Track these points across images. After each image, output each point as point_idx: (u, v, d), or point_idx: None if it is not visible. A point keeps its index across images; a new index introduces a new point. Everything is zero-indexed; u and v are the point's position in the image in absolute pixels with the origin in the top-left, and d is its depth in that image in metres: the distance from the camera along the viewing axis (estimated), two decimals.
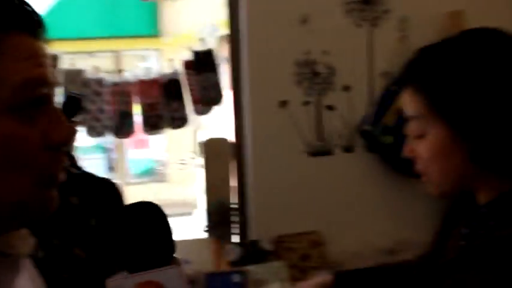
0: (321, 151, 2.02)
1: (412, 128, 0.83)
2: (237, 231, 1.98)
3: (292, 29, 1.94)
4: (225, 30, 2.02)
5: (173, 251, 0.85)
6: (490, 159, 0.76)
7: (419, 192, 2.10)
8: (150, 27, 7.49)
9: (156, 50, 7.47)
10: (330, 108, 2.01)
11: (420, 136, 0.82)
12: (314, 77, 1.97)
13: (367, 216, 2.04)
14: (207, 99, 1.88)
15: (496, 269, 0.70)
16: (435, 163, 0.81)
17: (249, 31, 1.92)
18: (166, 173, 7.47)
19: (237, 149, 2.00)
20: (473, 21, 2.00)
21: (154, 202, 0.92)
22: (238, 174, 2.00)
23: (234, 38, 1.95)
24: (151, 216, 0.88)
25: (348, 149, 2.04)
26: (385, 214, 2.08)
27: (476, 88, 0.75)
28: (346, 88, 2.01)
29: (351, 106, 2.02)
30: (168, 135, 4.21)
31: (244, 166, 2.00)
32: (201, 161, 2.25)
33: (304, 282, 1.16)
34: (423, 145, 0.81)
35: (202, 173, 2.04)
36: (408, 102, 0.83)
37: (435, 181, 0.83)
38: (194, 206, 5.29)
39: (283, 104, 1.95)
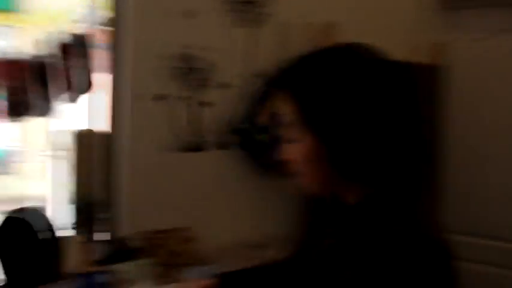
0: (194, 147, 2.00)
1: (284, 132, 0.88)
2: (107, 228, 1.88)
3: (175, 21, 1.89)
4: (102, 14, 1.89)
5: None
6: (349, 168, 0.82)
7: (287, 190, 2.22)
8: (6, 1, 6.73)
9: (15, 27, 6.73)
10: (206, 104, 2.00)
11: (291, 140, 0.86)
12: (192, 72, 1.95)
13: (238, 212, 2.09)
14: (76, 86, 1.73)
15: (365, 263, 0.76)
16: (304, 167, 0.86)
17: (133, 19, 1.82)
18: (17, 165, 6.81)
19: (109, 141, 1.89)
20: (348, 33, 2.17)
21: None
22: (108, 168, 1.89)
23: (116, 24, 1.85)
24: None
25: (222, 146, 2.06)
26: (255, 211, 2.14)
27: (337, 101, 0.80)
28: (223, 85, 2.02)
29: (227, 103, 2.04)
30: (20, 123, 3.83)
31: (116, 160, 1.90)
32: (56, 153, 2.10)
33: (190, 283, 1.16)
34: (294, 149, 0.86)
35: (57, 166, 1.91)
36: (281, 107, 0.87)
37: (305, 183, 0.89)
38: (46, 200, 4.91)
39: (160, 97, 1.90)
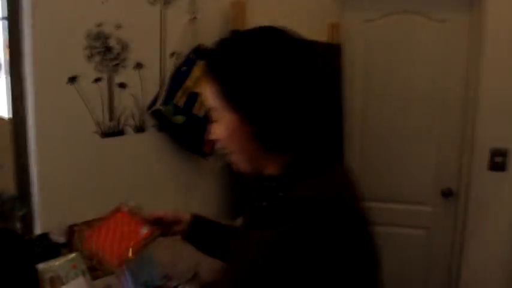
0: (113, 131, 1.90)
1: (211, 113, 0.94)
2: (19, 226, 1.71)
3: None
4: None
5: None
6: (272, 141, 0.90)
7: (207, 169, 2.23)
8: None
9: None
10: (122, 86, 1.91)
11: (217, 120, 0.93)
12: (106, 52, 1.83)
13: (163, 195, 2.04)
14: None
15: (286, 225, 0.82)
16: (230, 145, 0.93)
17: None
18: None
19: (16, 129, 1.70)
20: (254, 11, 2.22)
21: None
22: (17, 159, 1.71)
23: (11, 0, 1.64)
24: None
25: (140, 129, 1.99)
26: (178, 191, 2.12)
27: (257, 80, 0.86)
28: (139, 66, 1.94)
29: (143, 85, 1.97)
30: None
31: (26, 149, 1.72)
32: None
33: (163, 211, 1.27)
34: (219, 128, 0.93)
35: None
36: (206, 89, 0.93)
37: (235, 160, 0.96)
38: None
39: (72, 80, 1.76)
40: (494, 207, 2.68)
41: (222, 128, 0.92)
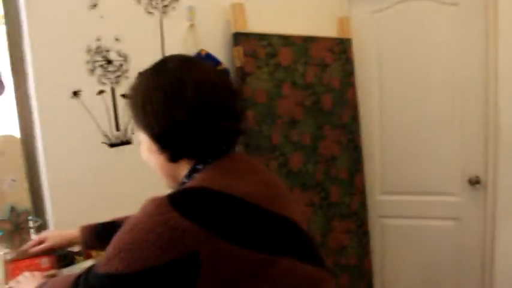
0: (120, 141, 1.96)
1: (136, 135, 1.08)
2: (34, 237, 1.78)
3: (81, 14, 1.81)
4: None
5: None
6: (173, 153, 0.98)
7: None
8: None
9: None
10: (125, 96, 1.96)
11: (141, 142, 1.04)
12: (107, 65, 1.89)
13: None
14: None
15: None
16: (152, 163, 1.04)
17: (30, 14, 1.70)
18: None
19: (26, 146, 1.78)
20: (253, 13, 2.22)
21: None
22: (30, 174, 1.79)
23: (11, 20, 1.72)
24: None
25: None
26: None
27: (144, 105, 0.96)
28: None
29: None
30: None
31: (36, 165, 1.80)
32: None
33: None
34: (142, 149, 1.04)
35: None
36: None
37: (161, 178, 1.06)
38: None
39: (76, 94, 1.82)
40: None
41: (143, 148, 1.03)
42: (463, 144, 2.75)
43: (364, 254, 2.85)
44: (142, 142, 1.03)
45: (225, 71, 2.20)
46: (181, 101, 0.94)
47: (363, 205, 2.85)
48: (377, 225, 2.98)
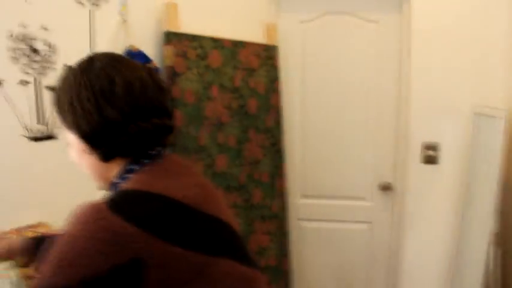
0: (43, 136, 1.86)
1: (64, 137, 1.04)
2: None
3: None
4: None
5: None
6: (107, 153, 0.97)
7: None
8: None
9: None
10: (51, 89, 1.87)
11: (68, 143, 1.02)
12: (33, 54, 1.80)
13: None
14: None
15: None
16: (82, 164, 1.03)
17: None
18: None
19: None
20: (186, 13, 2.23)
21: None
22: None
23: None
24: None
25: None
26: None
27: (69, 103, 0.94)
28: None
29: None
30: None
31: None
32: None
33: None
34: (71, 150, 1.02)
35: None
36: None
37: (92, 179, 1.05)
38: None
39: None
40: (429, 198, 2.80)
41: (72, 152, 1.01)
42: (376, 151, 2.95)
43: (283, 255, 2.94)
44: (71, 143, 1.01)
45: (155, 69, 2.17)
46: (110, 99, 0.93)
47: (283, 208, 2.94)
48: (296, 228, 3.09)
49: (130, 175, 0.96)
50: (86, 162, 1.01)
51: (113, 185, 1.00)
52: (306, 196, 3.08)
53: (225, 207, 1.04)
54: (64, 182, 1.92)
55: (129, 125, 0.94)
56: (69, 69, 0.99)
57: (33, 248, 1.33)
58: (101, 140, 0.94)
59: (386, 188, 2.95)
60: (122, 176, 0.98)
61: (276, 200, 2.87)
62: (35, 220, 1.80)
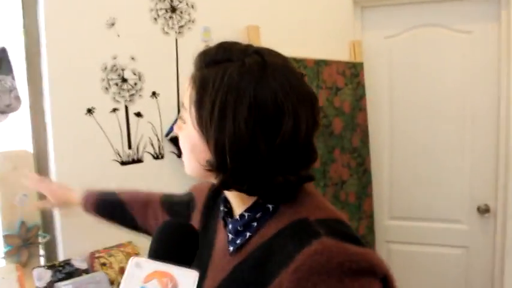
0: (132, 159, 1.96)
1: (181, 112, 0.89)
2: (43, 253, 1.78)
3: (99, 32, 1.83)
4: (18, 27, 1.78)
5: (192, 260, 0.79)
6: (231, 179, 0.81)
7: None
8: None
9: None
10: (139, 115, 1.97)
11: (184, 120, 0.87)
12: (122, 83, 1.91)
13: None
14: (2, 105, 1.63)
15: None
16: (185, 150, 0.88)
17: (48, 29, 1.72)
18: None
19: (38, 161, 1.79)
20: (267, 35, 2.24)
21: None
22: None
23: (30, 35, 1.75)
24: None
25: (158, 156, 2.04)
26: None
27: (217, 105, 0.78)
28: (155, 94, 2.00)
29: (159, 113, 2.02)
30: None
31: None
32: None
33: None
34: (182, 131, 0.88)
35: None
36: (187, 85, 0.86)
37: (185, 164, 0.90)
38: None
39: (90, 111, 1.84)
40: None
41: (183, 132, 0.87)
42: (473, 171, 2.74)
43: None
44: (187, 126, 0.85)
45: None
46: (273, 135, 0.77)
47: (371, 229, 2.82)
48: (384, 250, 2.96)
49: (281, 209, 0.84)
50: (189, 152, 0.87)
51: (247, 218, 0.87)
52: (394, 217, 2.94)
53: None
54: None
55: (276, 176, 0.80)
56: (234, 65, 0.80)
57: (93, 203, 1.45)
58: (232, 170, 0.79)
59: (485, 210, 2.73)
60: (260, 212, 0.85)
61: (363, 221, 2.78)
62: (123, 240, 1.89)
